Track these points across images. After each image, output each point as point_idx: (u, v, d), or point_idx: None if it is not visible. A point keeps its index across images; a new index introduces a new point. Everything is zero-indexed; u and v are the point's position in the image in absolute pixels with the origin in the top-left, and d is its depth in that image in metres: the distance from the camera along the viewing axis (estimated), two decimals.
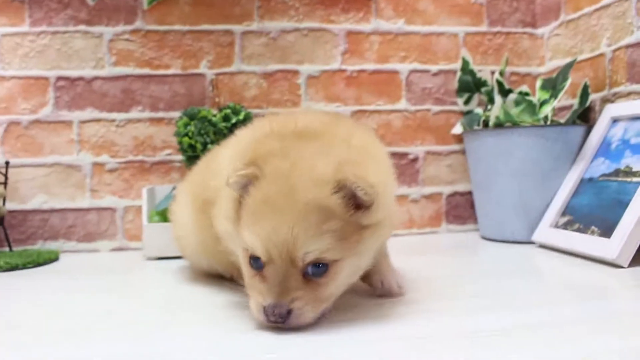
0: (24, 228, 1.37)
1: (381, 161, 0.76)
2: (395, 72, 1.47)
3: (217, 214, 0.77)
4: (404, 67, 1.48)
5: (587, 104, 1.27)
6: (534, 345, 0.59)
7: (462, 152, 1.49)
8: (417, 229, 1.48)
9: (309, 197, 0.62)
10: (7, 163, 1.33)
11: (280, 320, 0.63)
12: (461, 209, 1.50)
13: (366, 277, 0.80)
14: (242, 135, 0.85)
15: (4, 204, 1.30)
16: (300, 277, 0.63)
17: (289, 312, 0.62)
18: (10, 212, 1.36)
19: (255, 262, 0.65)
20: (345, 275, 0.67)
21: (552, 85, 1.28)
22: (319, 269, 0.64)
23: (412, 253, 1.22)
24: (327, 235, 0.62)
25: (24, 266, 1.17)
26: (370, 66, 1.46)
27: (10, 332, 0.71)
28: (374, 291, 0.81)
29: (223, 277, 0.94)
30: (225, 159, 0.84)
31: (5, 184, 1.32)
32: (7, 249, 1.32)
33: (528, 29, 1.53)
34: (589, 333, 0.63)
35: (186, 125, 1.25)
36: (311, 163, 0.65)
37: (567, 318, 0.69)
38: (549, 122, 1.28)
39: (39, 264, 1.20)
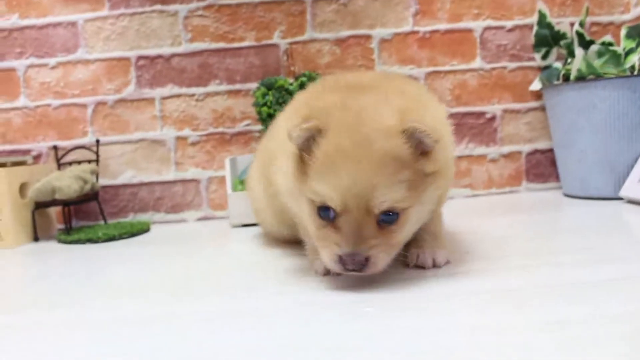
0: (116, 202, 1.45)
1: (436, 108, 0.76)
2: (468, 31, 1.44)
3: (274, 171, 0.78)
4: (477, 25, 1.44)
5: None
6: (621, 296, 0.58)
7: (542, 108, 1.45)
8: (496, 188, 1.46)
9: (384, 147, 0.63)
10: (97, 141, 1.40)
11: (357, 268, 0.64)
12: (542, 167, 1.47)
13: (406, 250, 0.78)
14: (297, 97, 0.86)
15: (97, 180, 1.38)
16: (375, 226, 0.64)
17: (367, 259, 0.64)
18: (103, 187, 1.44)
19: (325, 212, 0.66)
20: (412, 223, 0.68)
21: (639, 32, 1.22)
22: (390, 217, 0.65)
23: (493, 213, 1.21)
24: (401, 185, 0.63)
25: (120, 236, 1.24)
26: (442, 26, 1.44)
27: (119, 293, 0.77)
28: (409, 264, 0.78)
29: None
30: (281, 120, 0.86)
31: (97, 161, 1.39)
32: (102, 221, 1.41)
33: None
34: None
35: (264, 95, 1.27)
36: (375, 113, 0.65)
37: None
38: (636, 72, 1.22)
39: (132, 234, 1.27)
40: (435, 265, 0.76)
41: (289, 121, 0.73)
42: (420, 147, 0.65)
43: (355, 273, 0.65)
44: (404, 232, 0.68)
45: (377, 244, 0.64)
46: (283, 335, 0.54)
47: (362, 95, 0.69)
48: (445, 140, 0.70)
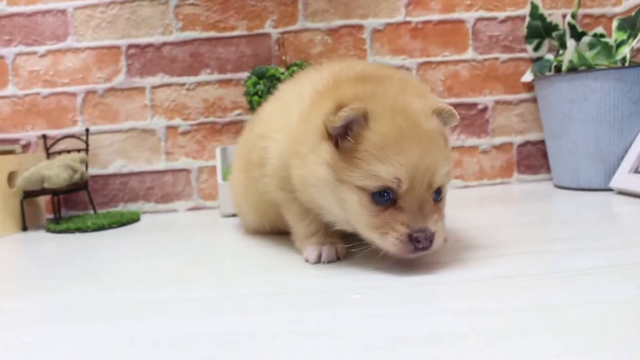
0: (106, 191, 1.44)
1: (433, 95, 0.79)
2: (461, 22, 1.44)
3: (299, 164, 0.75)
4: (470, 16, 1.44)
5: None
6: (613, 283, 0.58)
7: (533, 100, 1.45)
8: (488, 179, 1.47)
9: (432, 126, 0.67)
10: (87, 130, 1.39)
11: (427, 245, 0.64)
12: (533, 159, 1.47)
13: None
14: (290, 90, 0.85)
15: (86, 169, 1.37)
16: (432, 202, 0.67)
17: (433, 234, 0.65)
18: (93, 177, 1.43)
19: (381, 197, 0.65)
20: (446, 199, 0.73)
21: (631, 24, 1.22)
22: (439, 194, 0.68)
23: (485, 203, 1.21)
24: (448, 160, 0.68)
25: (110, 226, 1.23)
26: (435, 16, 1.43)
27: (106, 279, 0.76)
28: None
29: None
30: (269, 113, 0.85)
31: (87, 150, 1.38)
32: (92, 211, 1.40)
33: None
34: None
35: (255, 84, 1.27)
36: (405, 100, 0.68)
37: None
38: (627, 64, 1.23)
39: (122, 224, 1.26)
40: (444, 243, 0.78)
41: (285, 115, 0.75)
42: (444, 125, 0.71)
43: (420, 253, 0.65)
44: (444, 208, 0.72)
45: (437, 219, 0.66)
46: (271, 321, 0.54)
47: (381, 85, 0.71)
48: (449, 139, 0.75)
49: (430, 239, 0.64)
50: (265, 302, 0.61)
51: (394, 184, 0.64)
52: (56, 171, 1.23)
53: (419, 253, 0.65)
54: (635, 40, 1.20)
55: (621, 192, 1.18)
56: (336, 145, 0.68)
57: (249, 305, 0.60)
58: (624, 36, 1.23)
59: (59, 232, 1.21)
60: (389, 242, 0.65)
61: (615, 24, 1.26)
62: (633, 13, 1.24)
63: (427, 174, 0.65)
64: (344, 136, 0.67)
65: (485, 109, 1.45)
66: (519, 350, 0.43)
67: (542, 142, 1.45)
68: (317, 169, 0.69)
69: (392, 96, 0.68)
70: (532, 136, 1.47)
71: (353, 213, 0.68)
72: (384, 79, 0.73)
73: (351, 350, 0.45)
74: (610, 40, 1.25)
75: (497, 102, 1.45)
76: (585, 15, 1.45)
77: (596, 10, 1.45)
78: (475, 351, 0.43)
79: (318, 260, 0.75)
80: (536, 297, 0.55)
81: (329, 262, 0.75)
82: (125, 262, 0.88)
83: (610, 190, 1.22)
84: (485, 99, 1.45)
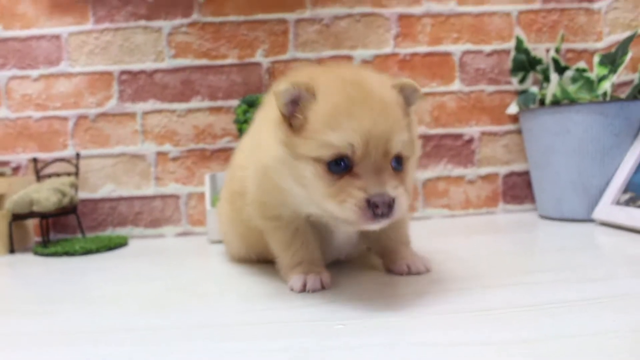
0: (95, 215, 1.45)
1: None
2: (448, 54, 1.47)
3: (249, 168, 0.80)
4: (457, 49, 1.48)
5: None
6: (595, 315, 0.60)
7: (518, 131, 1.48)
8: (473, 209, 1.49)
9: (389, 96, 0.68)
10: (77, 155, 1.40)
11: (386, 211, 0.63)
12: (518, 189, 1.49)
13: (393, 265, 0.83)
14: (260, 115, 0.86)
15: (76, 193, 1.37)
16: (391, 169, 0.67)
17: (393, 199, 0.64)
18: (82, 200, 1.44)
19: (337, 165, 0.66)
20: (411, 175, 0.73)
21: (611, 60, 1.26)
22: (399, 163, 0.69)
23: (470, 232, 1.23)
24: (405, 129, 0.68)
25: (98, 250, 1.24)
26: (423, 49, 1.47)
27: (92, 304, 0.77)
28: (402, 274, 0.83)
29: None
30: (244, 142, 0.89)
31: (76, 174, 1.39)
32: (80, 235, 1.40)
33: (584, 4, 1.49)
34: None
35: (245, 112, 1.29)
36: (361, 74, 0.71)
37: (627, 290, 0.69)
38: (608, 98, 1.26)
39: (110, 248, 1.26)
40: (427, 270, 0.82)
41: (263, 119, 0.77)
42: (406, 103, 0.72)
43: (381, 220, 0.64)
44: (409, 180, 0.72)
45: (397, 186, 0.66)
46: (254, 349, 0.55)
47: (341, 67, 0.75)
48: (413, 116, 0.75)
49: (389, 203, 0.63)
50: (246, 331, 0.61)
51: (347, 150, 0.65)
52: (45, 194, 1.23)
53: (379, 220, 0.64)
54: (616, 76, 1.24)
55: (603, 224, 1.20)
56: (290, 125, 0.70)
57: (229, 333, 0.61)
58: (605, 71, 1.27)
59: (47, 255, 1.22)
60: (348, 209, 0.64)
61: (596, 59, 1.30)
62: (613, 49, 1.28)
63: (381, 139, 0.65)
64: (294, 115, 0.69)
65: (471, 140, 1.48)
66: None
67: (527, 172, 1.48)
68: (274, 149, 0.71)
69: (347, 72, 0.71)
70: (517, 167, 1.49)
71: (311, 187, 0.68)
72: (347, 66, 0.77)
73: None
74: (592, 75, 1.28)
75: (483, 133, 1.48)
76: (569, 50, 1.49)
77: (578, 45, 1.49)
78: None
79: (303, 289, 0.76)
80: (515, 329, 0.56)
81: (314, 291, 0.76)
82: (111, 287, 0.88)
83: (593, 221, 1.24)
84: (471, 130, 1.48)
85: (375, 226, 0.65)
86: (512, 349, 0.51)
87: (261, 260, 0.98)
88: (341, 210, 0.65)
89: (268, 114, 0.76)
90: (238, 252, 1.02)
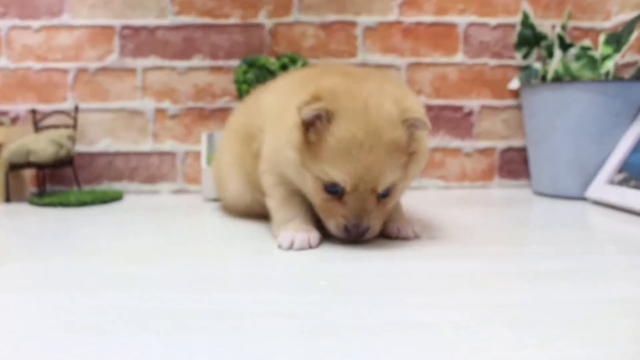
0: (91, 169, 1.45)
1: (414, 95, 0.82)
2: (453, 25, 1.46)
3: (269, 141, 0.84)
4: (462, 20, 1.46)
5: None
6: (573, 285, 0.61)
7: (518, 107, 1.48)
8: (469, 182, 1.49)
9: (391, 137, 0.72)
10: (76, 107, 1.40)
11: (360, 236, 0.76)
12: (515, 165, 1.50)
13: (384, 228, 0.85)
14: (286, 79, 0.94)
15: (73, 146, 1.38)
16: (375, 201, 0.76)
17: (367, 228, 0.76)
18: (79, 153, 1.44)
19: (332, 188, 0.75)
20: (398, 195, 0.81)
21: (617, 39, 1.25)
22: (386, 193, 0.77)
23: (464, 205, 1.24)
24: (399, 167, 0.75)
25: (92, 202, 1.25)
26: (427, 18, 1.45)
27: (84, 253, 0.77)
28: (392, 237, 0.86)
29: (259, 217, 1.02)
30: (268, 102, 0.90)
31: (74, 127, 1.39)
32: (76, 187, 1.41)
33: None
34: (627, 280, 0.64)
35: (245, 72, 1.28)
36: (378, 102, 0.73)
37: (610, 265, 0.70)
38: (610, 78, 1.25)
39: (105, 202, 1.27)
40: (415, 236, 0.85)
41: (293, 96, 0.79)
42: (412, 133, 0.76)
43: (356, 239, 0.78)
44: (393, 203, 0.80)
45: (375, 216, 0.76)
46: (234, 300, 0.56)
47: (360, 83, 0.76)
48: (421, 139, 0.80)
49: (363, 232, 0.76)
50: (231, 282, 0.62)
51: (341, 182, 0.74)
52: (43, 145, 1.24)
53: (356, 239, 0.77)
54: (619, 55, 1.23)
55: (596, 202, 1.21)
56: (307, 130, 0.75)
57: (223, 284, 0.62)
58: (610, 50, 1.26)
59: (42, 205, 1.23)
60: (331, 225, 0.78)
61: (602, 38, 1.29)
62: (620, 29, 1.26)
63: (371, 182, 0.73)
64: (311, 128, 0.74)
65: (471, 113, 1.48)
66: (472, 341, 0.45)
67: (525, 149, 1.48)
68: (288, 151, 0.77)
69: (365, 96, 0.74)
70: (515, 143, 1.49)
71: (311, 194, 0.79)
72: (366, 76, 0.80)
73: (309, 333, 0.47)
74: (596, 54, 1.27)
75: (483, 107, 1.48)
76: (575, 28, 1.47)
77: (586, 24, 1.48)
78: (428, 341, 0.45)
79: (290, 247, 0.77)
80: (493, 294, 0.57)
81: (301, 249, 0.77)
82: (106, 239, 0.89)
83: (586, 199, 1.25)
84: (471, 103, 1.48)
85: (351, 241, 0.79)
86: (489, 313, 0.52)
87: (256, 214, 1.01)
88: (327, 223, 0.78)
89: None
90: (235, 198, 1.03)
